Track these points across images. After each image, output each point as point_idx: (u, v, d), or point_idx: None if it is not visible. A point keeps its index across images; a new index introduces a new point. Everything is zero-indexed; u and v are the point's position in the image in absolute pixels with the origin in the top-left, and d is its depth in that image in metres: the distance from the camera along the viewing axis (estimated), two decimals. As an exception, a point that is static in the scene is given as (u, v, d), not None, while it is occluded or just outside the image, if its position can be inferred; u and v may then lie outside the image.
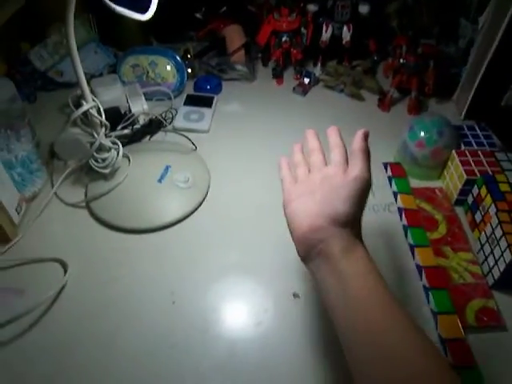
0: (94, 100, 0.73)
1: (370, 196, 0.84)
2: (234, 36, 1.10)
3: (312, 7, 1.06)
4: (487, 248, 0.74)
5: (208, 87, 1.07)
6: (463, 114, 1.02)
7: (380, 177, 0.89)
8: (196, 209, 0.83)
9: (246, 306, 0.71)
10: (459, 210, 0.84)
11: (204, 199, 0.85)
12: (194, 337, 0.66)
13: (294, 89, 1.08)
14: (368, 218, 0.80)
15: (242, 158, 0.94)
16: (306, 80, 1.08)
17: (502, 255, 0.70)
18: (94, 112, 0.73)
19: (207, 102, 1.04)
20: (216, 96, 1.06)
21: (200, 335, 0.66)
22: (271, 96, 1.09)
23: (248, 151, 0.95)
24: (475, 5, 1.02)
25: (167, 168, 0.85)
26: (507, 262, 0.68)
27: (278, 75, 1.11)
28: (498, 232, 0.71)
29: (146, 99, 1.00)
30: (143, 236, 0.79)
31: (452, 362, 0.63)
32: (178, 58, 1.05)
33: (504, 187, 0.77)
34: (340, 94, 1.08)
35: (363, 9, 1.06)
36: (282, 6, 1.03)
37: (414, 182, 0.88)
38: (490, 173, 0.81)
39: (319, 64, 1.13)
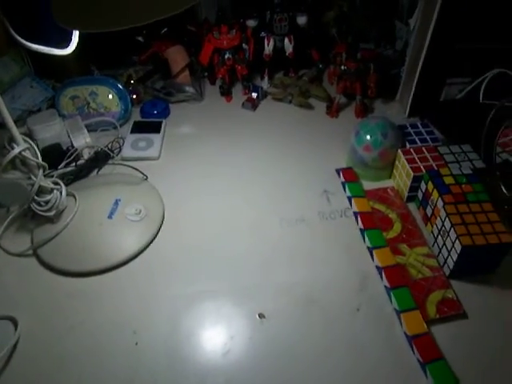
0: (26, 141, 0.71)
1: (326, 203, 0.90)
2: (177, 57, 1.13)
3: (251, 22, 1.10)
4: (440, 240, 0.80)
5: (155, 112, 1.09)
6: (407, 111, 1.09)
7: (334, 183, 0.94)
8: (152, 240, 0.83)
9: (212, 336, 0.71)
10: (412, 206, 0.90)
11: (159, 229, 0.85)
12: (161, 377, 0.66)
13: (243, 104, 1.12)
14: (326, 226, 0.86)
15: (196, 181, 0.95)
16: (254, 95, 1.12)
17: (453, 246, 0.75)
18: (27, 154, 0.71)
19: (155, 128, 1.05)
20: (164, 120, 1.07)
21: (167, 374, 0.66)
22: (221, 114, 1.12)
23: (202, 172, 0.97)
24: (407, 8, 1.09)
25: (117, 202, 0.85)
26: (458, 252, 0.74)
27: (225, 92, 1.14)
28: (447, 224, 0.77)
29: (90, 131, 1.00)
30: (99, 277, 0.78)
31: (420, 357, 0.67)
32: (120, 86, 1.07)
33: (448, 180, 0.83)
34: (289, 104, 1.13)
35: (301, 20, 1.11)
36: (221, 24, 1.07)
37: (367, 185, 0.93)
38: (435, 167, 0.87)
39: (266, 77, 1.17)
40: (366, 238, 0.83)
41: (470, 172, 0.84)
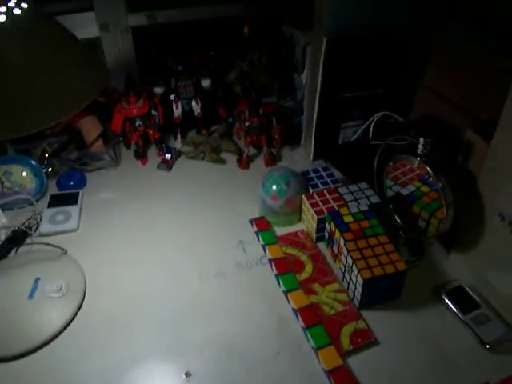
0: None
1: (243, 253, 0.95)
2: (90, 127, 1.16)
3: (158, 90, 1.17)
4: (347, 275, 0.87)
5: (71, 183, 1.10)
6: (311, 156, 1.18)
7: (249, 233, 1.00)
8: (75, 314, 0.83)
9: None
10: (322, 246, 0.98)
11: (82, 301, 0.85)
12: None
13: (158, 166, 1.17)
14: (244, 276, 0.91)
15: (116, 247, 0.97)
16: (168, 156, 1.17)
17: (357, 279, 0.83)
18: None
19: (72, 199, 1.06)
20: (81, 190, 1.09)
21: None
22: (138, 177, 1.16)
23: (122, 238, 0.99)
24: (301, 62, 1.21)
25: (37, 281, 0.85)
26: (361, 284, 0.81)
27: (140, 156, 1.19)
28: (350, 260, 0.85)
29: (7, 210, 1.01)
30: (26, 359, 0.76)
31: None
32: (33, 162, 1.08)
33: (348, 218, 0.91)
34: (202, 161, 1.19)
35: (205, 83, 1.19)
36: (129, 94, 1.12)
37: (280, 230, 1.00)
38: (336, 208, 0.95)
39: (179, 137, 1.24)
40: (281, 283, 0.88)
41: (367, 208, 0.93)
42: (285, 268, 0.91)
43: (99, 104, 1.20)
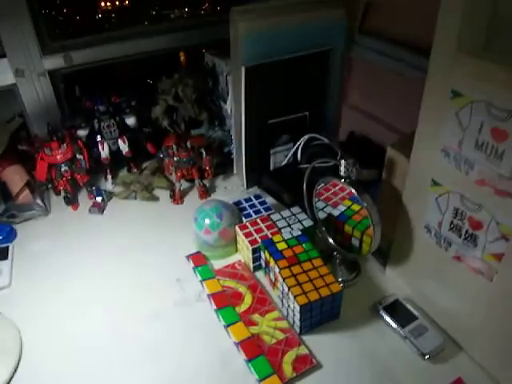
0: None
1: (181, 292, 0.93)
2: (15, 177, 1.12)
3: (82, 132, 1.14)
4: (285, 302, 0.87)
5: (0, 238, 1.06)
6: (245, 184, 1.18)
7: (186, 270, 0.98)
8: (12, 376, 0.79)
9: None
10: (260, 274, 0.97)
11: (19, 362, 0.81)
12: None
13: (89, 210, 1.13)
14: (183, 314, 0.89)
15: (53, 301, 0.93)
16: (99, 198, 1.14)
17: (294, 306, 0.82)
18: None
19: (2, 254, 1.02)
20: (11, 244, 1.05)
21: None
22: (70, 223, 1.12)
23: (58, 290, 0.95)
24: (226, 91, 1.21)
25: None
26: (298, 311, 0.81)
27: (70, 202, 1.15)
28: (285, 287, 0.84)
29: None
30: None
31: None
32: None
33: (281, 246, 0.91)
34: (136, 200, 1.17)
35: (130, 121, 1.18)
36: (51, 140, 1.09)
37: (217, 263, 0.99)
38: (269, 235, 0.95)
39: (109, 178, 1.21)
40: (220, 317, 0.87)
41: (300, 233, 0.94)
42: (223, 302, 0.89)
43: (23, 153, 1.17)
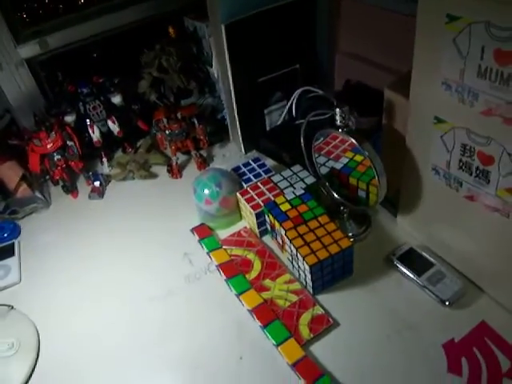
0: None
1: (189, 265, 0.89)
2: (10, 173, 1.07)
3: (69, 118, 1.08)
4: (295, 264, 0.82)
5: (5, 235, 1.02)
6: (242, 148, 1.12)
7: (192, 243, 0.93)
8: (33, 369, 0.77)
9: None
10: (267, 239, 0.92)
11: (38, 354, 0.79)
12: None
13: (89, 196, 1.09)
14: (194, 288, 0.85)
15: (64, 291, 0.90)
16: (97, 183, 1.09)
17: (304, 266, 0.77)
18: None
19: (9, 251, 0.98)
20: (16, 240, 1.01)
21: None
22: (72, 212, 1.07)
23: (68, 280, 0.92)
24: (210, 55, 1.13)
25: None
26: (309, 271, 0.76)
27: (69, 190, 1.10)
28: (293, 249, 0.79)
29: None
30: None
31: (305, 381, 0.68)
32: None
33: (285, 207, 0.85)
34: (134, 180, 1.11)
35: (116, 100, 1.11)
36: (39, 130, 1.03)
37: (223, 233, 0.94)
38: (272, 198, 0.89)
39: (105, 161, 1.15)
40: (231, 287, 0.83)
41: (303, 192, 0.88)
42: (232, 271, 0.85)
43: (15, 148, 1.12)
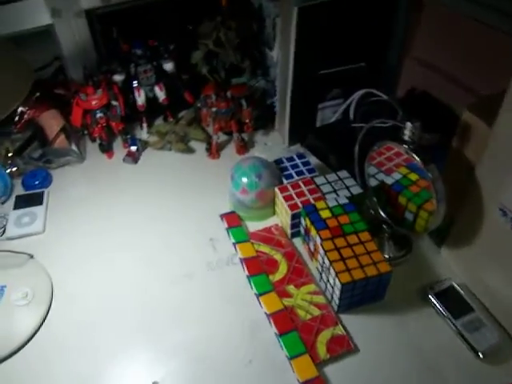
0: None
1: (213, 252, 0.84)
2: (51, 122, 1.03)
3: (117, 77, 1.03)
4: (324, 276, 0.76)
5: (36, 183, 0.99)
6: (286, 140, 1.04)
7: (219, 229, 0.88)
8: (43, 321, 0.75)
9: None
10: (298, 242, 0.85)
11: (49, 308, 0.77)
12: None
13: (123, 159, 1.04)
14: (214, 277, 0.81)
15: (84, 249, 0.87)
16: (133, 148, 1.04)
17: (335, 282, 0.71)
18: None
19: (38, 200, 0.96)
20: (46, 190, 0.98)
21: None
22: (104, 172, 1.03)
23: (89, 238, 0.89)
24: (272, 37, 1.05)
25: (2, 289, 0.79)
26: (339, 289, 0.70)
27: (105, 149, 1.06)
28: (326, 261, 0.73)
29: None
30: None
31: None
32: None
33: (325, 214, 0.78)
34: (170, 152, 1.06)
35: (168, 67, 1.04)
36: (87, 85, 0.98)
37: (253, 225, 0.88)
38: (312, 201, 0.82)
39: (145, 126, 1.10)
40: (253, 285, 0.77)
41: (346, 201, 0.80)
42: (257, 269, 0.79)
43: (59, 97, 1.07)
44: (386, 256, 0.80)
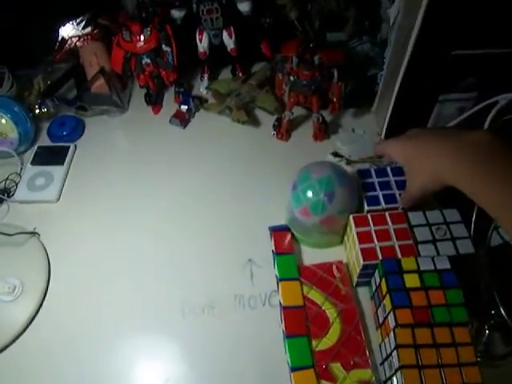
0: None
1: (248, 281, 0.62)
2: (93, 58, 0.81)
3: (176, 13, 0.75)
4: (387, 370, 0.51)
5: (63, 133, 0.79)
6: (383, 132, 0.73)
7: (264, 247, 0.64)
8: (30, 322, 0.61)
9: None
10: (363, 293, 0.60)
11: (41, 306, 0.62)
12: None
13: (170, 120, 0.80)
14: (242, 318, 0.60)
15: (98, 228, 0.69)
16: (184, 108, 0.79)
17: (400, 390, 0.46)
18: None
19: (60, 156, 0.77)
20: (73, 145, 0.79)
21: None
22: (145, 130, 0.81)
23: (109, 216, 0.71)
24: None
25: None
26: (405, 405, 0.45)
27: (152, 102, 0.82)
28: (395, 360, 0.48)
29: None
30: None
31: None
32: (17, 108, 0.76)
33: (411, 280, 0.51)
34: (228, 120, 0.79)
35: (243, 6, 0.74)
36: (134, 20, 0.72)
37: (309, 253, 0.64)
38: (398, 253, 0.54)
39: (206, 77, 0.84)
40: (287, 351, 0.55)
41: (448, 266, 0.52)
42: (298, 327, 0.56)
43: (105, 28, 0.83)
44: (486, 351, 0.53)
